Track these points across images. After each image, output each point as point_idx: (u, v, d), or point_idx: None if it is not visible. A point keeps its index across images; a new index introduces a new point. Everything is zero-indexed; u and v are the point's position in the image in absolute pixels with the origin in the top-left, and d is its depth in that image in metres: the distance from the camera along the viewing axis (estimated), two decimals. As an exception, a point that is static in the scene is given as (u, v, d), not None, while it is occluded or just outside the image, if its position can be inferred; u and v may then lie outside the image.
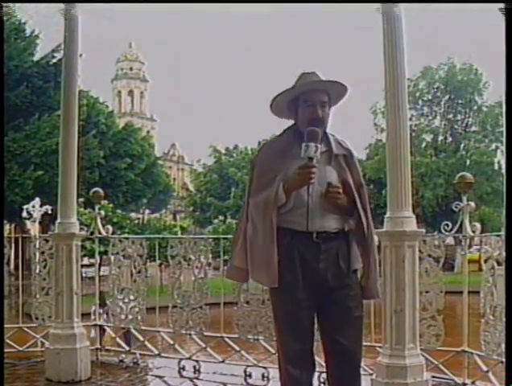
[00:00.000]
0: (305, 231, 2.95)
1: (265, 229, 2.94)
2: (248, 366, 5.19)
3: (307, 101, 3.04)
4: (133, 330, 5.66)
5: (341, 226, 3.03)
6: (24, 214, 28.16)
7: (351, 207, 3.02)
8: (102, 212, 5.88)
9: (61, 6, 5.01)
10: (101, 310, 5.92)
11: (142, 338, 5.71)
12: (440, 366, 4.66)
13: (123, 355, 5.71)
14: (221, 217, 37.57)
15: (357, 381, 3.12)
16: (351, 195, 3.03)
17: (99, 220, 5.77)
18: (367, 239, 3.03)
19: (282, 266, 2.93)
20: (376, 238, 3.47)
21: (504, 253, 3.78)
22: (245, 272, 3.13)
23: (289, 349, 3.02)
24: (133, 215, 38.12)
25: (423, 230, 4.38)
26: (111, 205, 28.65)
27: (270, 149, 3.18)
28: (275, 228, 2.93)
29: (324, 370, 3.25)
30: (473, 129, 41.54)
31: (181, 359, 5.44)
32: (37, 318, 5.66)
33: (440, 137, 41.95)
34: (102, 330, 6.04)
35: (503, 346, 3.99)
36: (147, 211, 42.70)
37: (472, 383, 4.58)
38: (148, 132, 59.45)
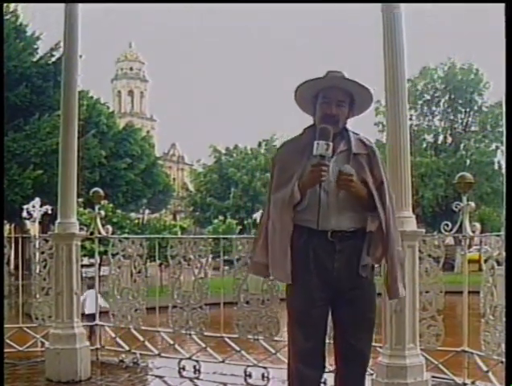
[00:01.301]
0: (319, 229, 2.93)
1: (282, 227, 2.94)
2: (248, 366, 5.19)
3: (324, 98, 3.04)
4: (133, 331, 5.66)
5: (359, 225, 2.98)
6: (24, 214, 28.20)
7: (370, 203, 2.96)
8: (102, 212, 5.88)
9: (61, 5, 5.02)
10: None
11: (142, 339, 5.71)
12: (440, 366, 4.66)
13: (123, 355, 5.71)
14: (221, 217, 37.64)
15: (364, 382, 3.14)
16: (370, 193, 2.97)
17: (99, 220, 5.76)
18: (385, 237, 2.94)
19: (297, 264, 2.93)
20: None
21: (504, 253, 3.78)
22: (266, 267, 3.10)
23: (300, 347, 3.01)
24: (133, 215, 38.09)
25: (423, 230, 4.38)
26: (111, 205, 28.68)
27: (290, 147, 3.17)
28: (291, 226, 2.93)
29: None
30: (473, 128, 41.58)
31: (181, 359, 5.44)
32: (37, 318, 5.66)
33: (440, 137, 41.99)
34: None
35: (503, 346, 3.99)
36: (147, 211, 42.67)
37: (472, 383, 4.58)
38: (148, 132, 59.39)
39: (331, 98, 3.02)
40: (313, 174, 2.86)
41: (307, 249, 2.95)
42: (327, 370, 3.18)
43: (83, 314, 6.14)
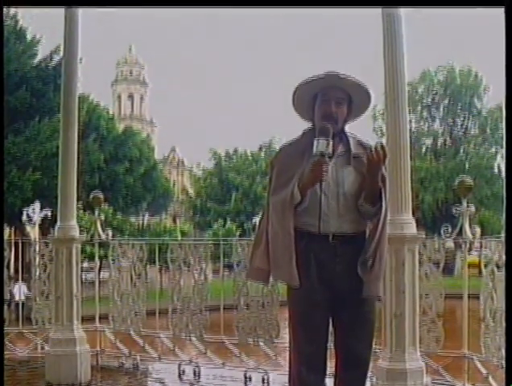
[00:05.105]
0: (320, 233, 2.92)
1: (283, 228, 2.92)
2: (248, 369, 5.19)
3: (323, 96, 3.04)
4: (133, 335, 5.66)
5: (359, 228, 2.99)
6: (24, 217, 28.16)
7: (374, 197, 2.92)
8: (102, 216, 5.88)
9: (61, 9, 5.03)
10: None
11: (141, 342, 5.71)
12: (440, 370, 4.66)
13: (123, 359, 5.71)
14: (221, 221, 37.60)
15: (364, 385, 3.13)
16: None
17: (99, 224, 5.77)
18: (380, 231, 2.91)
19: (299, 268, 2.90)
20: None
21: (504, 257, 3.78)
22: (266, 273, 3.09)
23: (302, 351, 3.00)
24: (133, 219, 38.08)
25: (423, 234, 4.38)
26: (111, 209, 28.68)
27: (289, 149, 3.15)
28: (292, 229, 2.90)
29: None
30: (473, 132, 41.60)
31: (181, 363, 5.44)
32: (37, 322, 5.66)
33: (440, 141, 41.99)
34: None
35: (503, 350, 3.99)
36: (147, 215, 42.71)
37: (472, 386, 4.58)
38: (148, 135, 59.38)
39: (330, 96, 3.02)
40: (314, 172, 2.84)
41: (309, 253, 2.94)
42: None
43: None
